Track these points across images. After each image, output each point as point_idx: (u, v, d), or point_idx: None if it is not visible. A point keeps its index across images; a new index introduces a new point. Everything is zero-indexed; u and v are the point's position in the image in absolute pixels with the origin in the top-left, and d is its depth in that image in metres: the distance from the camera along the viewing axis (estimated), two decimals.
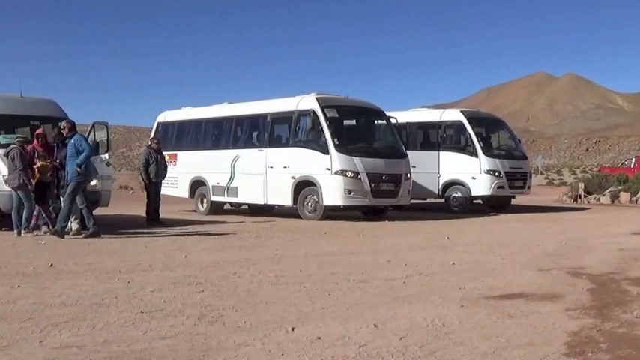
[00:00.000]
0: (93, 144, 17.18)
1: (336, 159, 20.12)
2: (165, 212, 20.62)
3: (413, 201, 27.55)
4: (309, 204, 20.88)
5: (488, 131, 26.21)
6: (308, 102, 21.14)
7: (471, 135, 24.61)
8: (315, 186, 20.53)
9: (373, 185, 20.46)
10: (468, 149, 24.65)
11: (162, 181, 20.39)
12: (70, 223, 15.47)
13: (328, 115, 20.63)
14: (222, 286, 8.93)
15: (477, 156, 24.43)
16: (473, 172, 24.52)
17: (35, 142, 15.71)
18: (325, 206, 20.44)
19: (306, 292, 8.53)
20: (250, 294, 8.40)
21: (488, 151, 24.80)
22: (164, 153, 21.30)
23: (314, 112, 20.62)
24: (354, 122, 22.78)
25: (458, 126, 25.09)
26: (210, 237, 15.67)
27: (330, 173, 20.18)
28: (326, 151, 20.26)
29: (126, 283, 9.03)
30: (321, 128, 20.43)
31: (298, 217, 20.97)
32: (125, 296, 8.13)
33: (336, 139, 20.27)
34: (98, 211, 18.20)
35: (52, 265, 10.66)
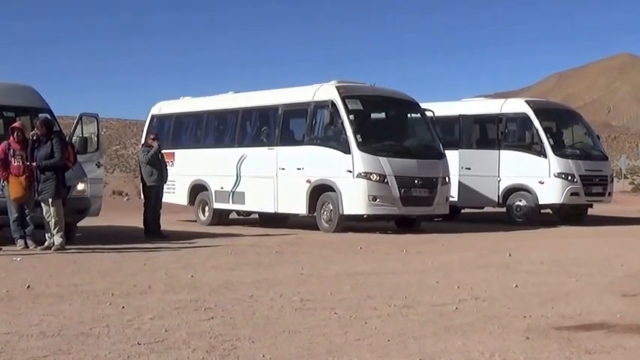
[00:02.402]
0: (80, 140, 17.29)
1: (359, 159, 20.19)
2: (162, 222, 20.62)
3: (467, 210, 27.56)
4: (325, 213, 20.97)
5: (559, 125, 26.06)
6: (327, 92, 21.22)
7: (538, 130, 24.47)
8: (335, 191, 20.60)
9: (403, 191, 20.49)
10: (534, 147, 24.51)
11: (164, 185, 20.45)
12: (51, 236, 15.54)
13: (350, 107, 20.71)
14: (236, 312, 8.93)
15: (545, 156, 24.28)
16: (541, 175, 24.37)
17: (11, 137, 15.77)
18: (342, 215, 20.54)
19: (337, 320, 8.51)
20: (270, 322, 8.38)
21: (559, 149, 24.64)
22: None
23: (333, 104, 20.68)
24: (381, 116, 22.87)
25: (522, 119, 24.96)
26: (221, 253, 15.69)
27: (352, 176, 20.26)
28: (347, 150, 20.34)
29: (119, 309, 9.05)
30: (342, 123, 20.52)
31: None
32: (119, 324, 8.14)
33: (359, 136, 20.34)
34: (86, 222, 18.33)
35: (29, 286, 10.70)
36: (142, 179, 20.23)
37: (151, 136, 20.70)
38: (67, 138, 16.93)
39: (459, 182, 24.97)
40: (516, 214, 24.97)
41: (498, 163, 25.06)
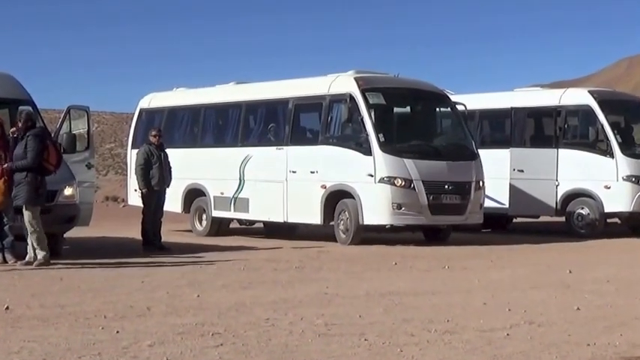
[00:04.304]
0: (68, 137, 17.31)
1: (382, 161, 20.25)
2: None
3: (520, 220, 27.45)
4: (342, 222, 21.04)
5: (628, 120, 25.89)
6: (344, 83, 21.30)
7: (603, 125, 24.33)
8: (354, 198, 20.66)
9: (432, 197, 20.55)
10: (599, 146, 24.37)
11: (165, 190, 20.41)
12: (33, 249, 15.51)
13: (371, 101, 20.80)
14: (250, 337, 8.92)
15: (612, 155, 24.14)
16: (606, 178, 24.23)
17: None
18: (361, 225, 20.59)
19: (368, 348, 8.49)
20: (289, 349, 8.37)
21: (629, 148, 24.48)
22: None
23: (352, 98, 20.72)
24: (406, 111, 22.87)
25: (585, 112, 24.83)
26: (232, 268, 15.71)
27: (374, 181, 20.32)
28: (368, 151, 20.43)
29: (113, 334, 9.06)
30: (362, 119, 20.59)
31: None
32: (112, 352, 8.15)
33: (381, 135, 20.41)
34: (75, 232, 18.36)
35: (7, 307, 10.73)
36: (143, 184, 20.11)
37: (153, 132, 20.49)
38: (53, 135, 16.96)
39: (511, 186, 24.87)
40: (578, 224, 24.83)
41: (556, 165, 24.93)
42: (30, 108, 17.10)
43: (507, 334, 9.27)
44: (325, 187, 21.17)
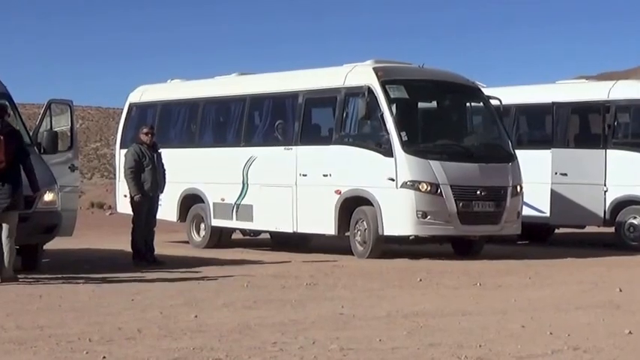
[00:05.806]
0: (48, 135, 17.32)
1: (405, 164, 20.24)
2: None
3: (563, 230, 27.38)
4: (359, 233, 21.05)
5: None
6: (361, 75, 21.32)
7: None
8: (373, 205, 20.68)
9: (461, 204, 20.52)
10: None
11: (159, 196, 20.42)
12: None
13: (392, 94, 20.79)
14: None
15: None
16: None
17: None
18: (381, 236, 20.59)
19: None
20: None
21: None
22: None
23: (370, 91, 20.68)
24: (432, 106, 22.98)
25: (637, 108, 24.75)
26: (235, 285, 15.74)
27: (395, 185, 20.31)
28: (388, 152, 20.39)
29: None
30: (382, 115, 20.56)
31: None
32: None
33: (404, 133, 20.38)
34: (57, 243, 18.39)
35: None
36: (135, 189, 20.11)
37: (144, 130, 20.43)
38: (32, 133, 16.98)
39: (552, 192, 24.81)
40: (629, 235, 24.72)
41: (605, 167, 24.86)
42: (5, 102, 17.10)
43: None
44: (340, 193, 21.16)
